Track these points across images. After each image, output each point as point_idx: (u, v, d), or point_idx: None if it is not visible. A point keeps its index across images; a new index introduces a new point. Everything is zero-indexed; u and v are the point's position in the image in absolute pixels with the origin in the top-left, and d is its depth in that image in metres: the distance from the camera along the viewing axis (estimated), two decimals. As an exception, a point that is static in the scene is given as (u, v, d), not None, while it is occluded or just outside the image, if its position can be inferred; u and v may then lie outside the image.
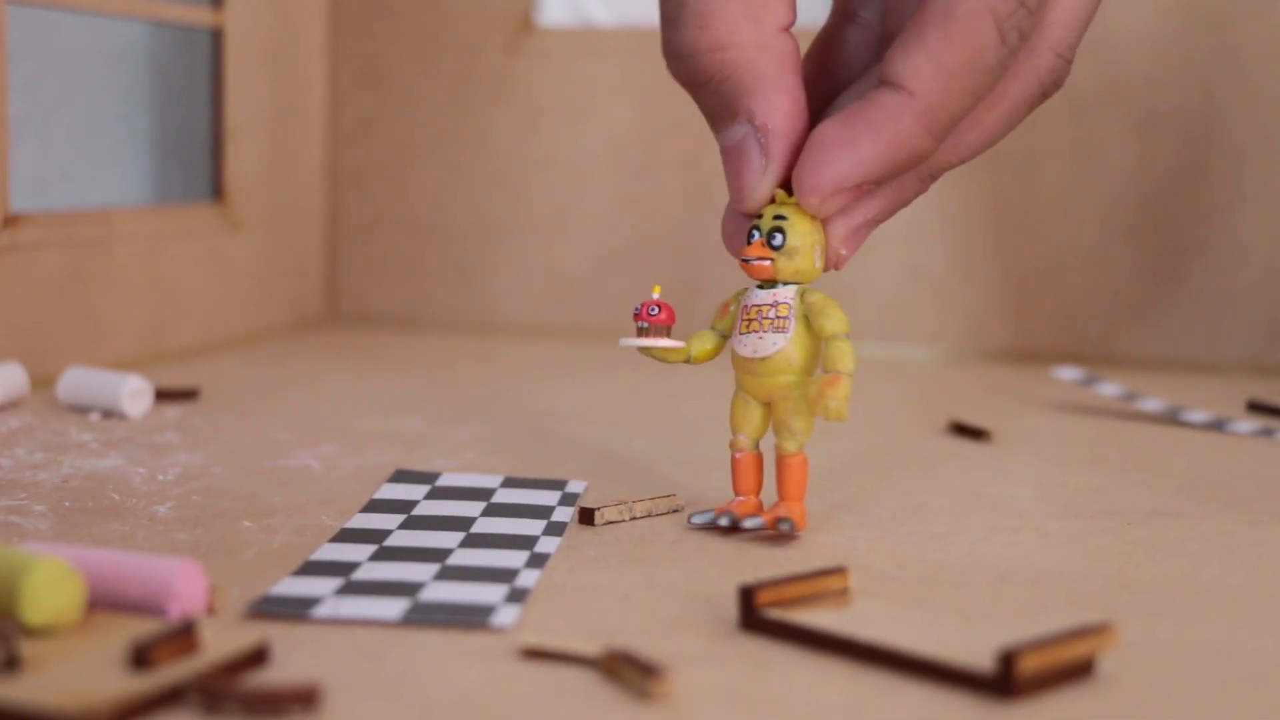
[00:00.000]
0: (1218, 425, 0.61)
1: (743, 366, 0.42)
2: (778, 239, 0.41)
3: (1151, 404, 0.63)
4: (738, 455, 0.43)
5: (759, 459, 0.43)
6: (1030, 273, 0.80)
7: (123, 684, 0.29)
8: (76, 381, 0.59)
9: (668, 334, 0.42)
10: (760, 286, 0.42)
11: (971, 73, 0.39)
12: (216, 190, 0.79)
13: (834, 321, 0.41)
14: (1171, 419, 0.63)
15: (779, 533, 0.42)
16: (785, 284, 0.42)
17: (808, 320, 0.41)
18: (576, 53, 0.85)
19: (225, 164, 0.79)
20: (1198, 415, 0.62)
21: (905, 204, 0.43)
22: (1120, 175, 0.79)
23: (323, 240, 0.88)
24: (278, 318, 0.84)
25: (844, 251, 0.42)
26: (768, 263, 0.41)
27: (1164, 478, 0.52)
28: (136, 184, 0.80)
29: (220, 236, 0.78)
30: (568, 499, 0.46)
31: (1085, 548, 0.43)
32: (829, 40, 0.45)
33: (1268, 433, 0.60)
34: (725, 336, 0.43)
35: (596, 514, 0.44)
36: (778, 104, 0.40)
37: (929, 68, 0.39)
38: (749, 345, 0.42)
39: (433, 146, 0.87)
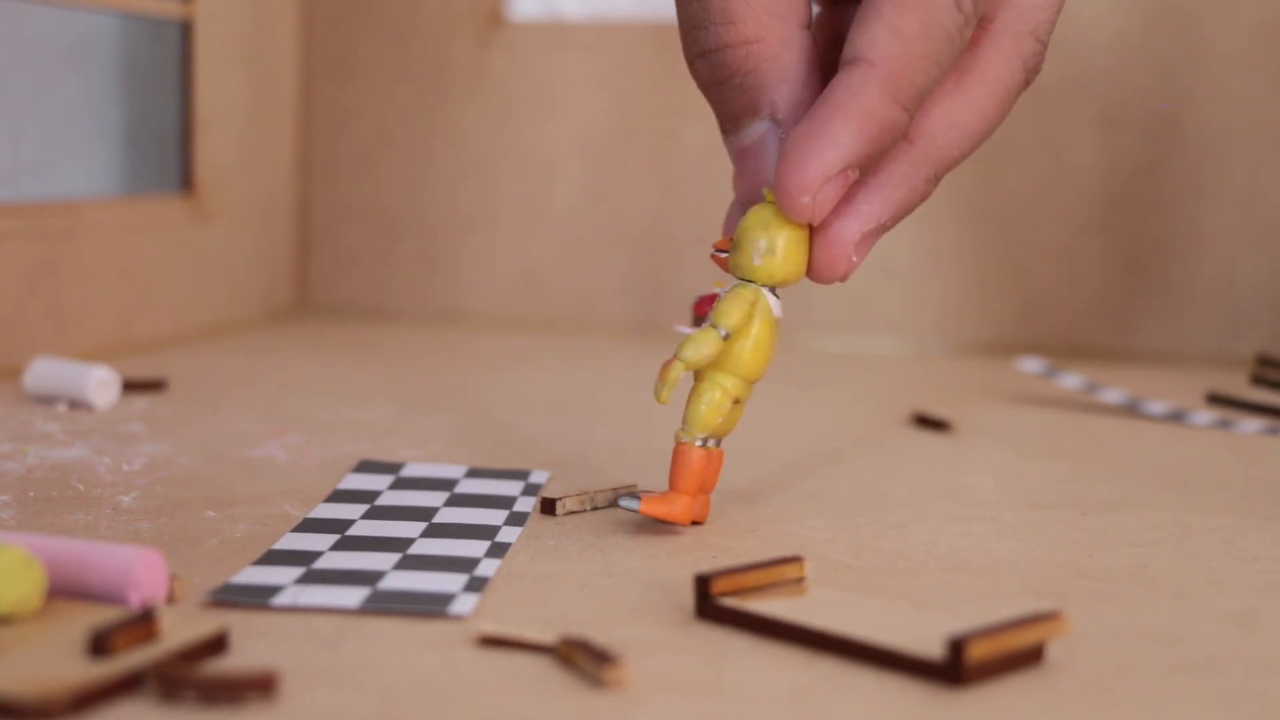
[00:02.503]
0: (1177, 417, 0.62)
1: None
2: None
3: (1112, 395, 0.64)
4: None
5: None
6: (996, 265, 0.81)
7: (82, 671, 0.30)
8: (43, 372, 0.59)
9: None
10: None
11: (929, 38, 0.39)
12: (186, 182, 0.79)
13: (718, 312, 0.41)
14: (1132, 410, 0.63)
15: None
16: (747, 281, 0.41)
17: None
18: (546, 46, 0.85)
19: (195, 155, 0.79)
20: (1158, 407, 0.63)
21: (915, 205, 0.42)
22: (1085, 169, 0.79)
23: (293, 232, 0.89)
24: (248, 309, 0.84)
25: (855, 259, 0.41)
26: (724, 255, 0.41)
27: (1122, 468, 0.53)
28: (106, 175, 0.80)
29: (190, 228, 0.78)
30: (530, 489, 0.47)
31: (1041, 537, 0.44)
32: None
33: (1226, 424, 0.60)
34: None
35: (558, 504, 0.44)
36: (803, 99, 0.41)
37: (886, 35, 0.39)
38: None
39: (403, 139, 0.88)
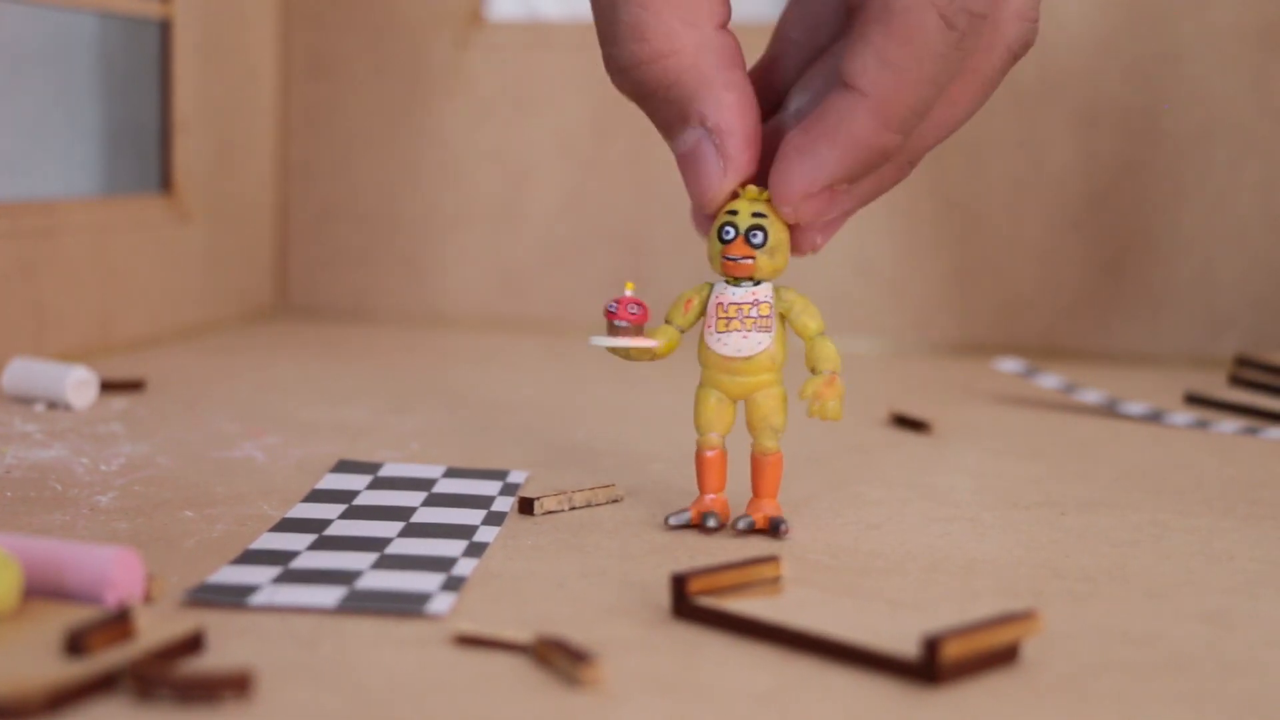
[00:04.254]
0: (1155, 417, 0.62)
1: (721, 365, 0.42)
2: (759, 237, 0.41)
3: (1091, 396, 0.64)
4: (710, 453, 0.43)
5: (726, 456, 0.43)
6: (975, 265, 0.81)
7: (58, 670, 0.30)
8: (21, 372, 0.59)
9: (640, 332, 0.42)
10: (731, 283, 0.42)
11: (920, 64, 0.39)
12: (165, 181, 0.79)
13: (816, 321, 0.42)
14: (1110, 411, 0.63)
15: (776, 534, 0.42)
16: (760, 281, 0.42)
17: (783, 318, 0.42)
18: (525, 46, 0.85)
19: (174, 155, 0.79)
20: (1136, 407, 0.63)
21: (885, 190, 0.44)
22: (1064, 169, 0.80)
23: (272, 232, 0.88)
24: (226, 309, 0.84)
25: (819, 240, 0.43)
26: (751, 261, 0.41)
27: (1100, 469, 0.53)
28: (85, 175, 0.80)
29: (169, 228, 0.78)
30: (508, 489, 0.47)
31: (1018, 537, 0.44)
32: (768, 63, 0.46)
33: (1204, 425, 0.61)
34: (683, 331, 0.43)
35: (536, 504, 0.44)
36: (727, 102, 0.41)
37: (875, 65, 0.39)
38: (730, 344, 0.41)
39: (382, 139, 0.88)
